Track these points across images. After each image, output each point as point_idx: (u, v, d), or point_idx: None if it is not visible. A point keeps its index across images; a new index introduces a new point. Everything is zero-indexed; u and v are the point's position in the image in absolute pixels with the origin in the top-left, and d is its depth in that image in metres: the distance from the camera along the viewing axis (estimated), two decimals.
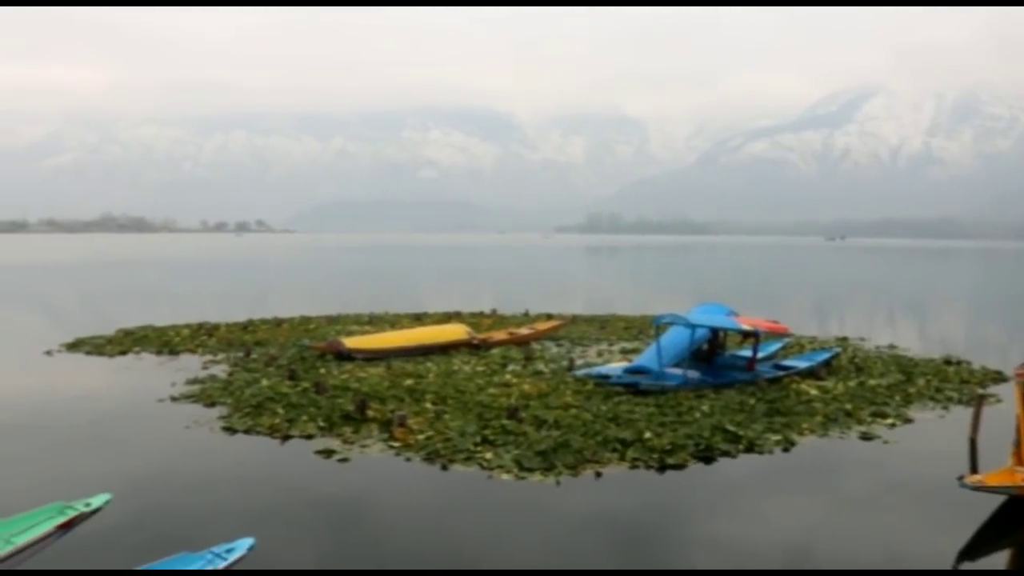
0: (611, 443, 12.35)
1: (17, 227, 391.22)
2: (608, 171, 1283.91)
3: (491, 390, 16.22)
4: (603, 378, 17.05)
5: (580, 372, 18.09)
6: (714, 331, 18.75)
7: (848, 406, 15.24)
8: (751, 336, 19.14)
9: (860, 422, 14.35)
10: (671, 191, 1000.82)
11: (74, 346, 23.41)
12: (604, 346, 23.66)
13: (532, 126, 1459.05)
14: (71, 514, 8.03)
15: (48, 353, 22.45)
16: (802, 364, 18.92)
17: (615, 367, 17.97)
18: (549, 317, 29.41)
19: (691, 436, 12.69)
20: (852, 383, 17.43)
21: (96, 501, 8.30)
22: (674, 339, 18.05)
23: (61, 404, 16.24)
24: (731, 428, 13.18)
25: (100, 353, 22.37)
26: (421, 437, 12.82)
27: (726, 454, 12.22)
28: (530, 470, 11.32)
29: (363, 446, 12.63)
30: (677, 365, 17.13)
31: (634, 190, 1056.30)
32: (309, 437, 13.21)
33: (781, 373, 17.97)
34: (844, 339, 25.29)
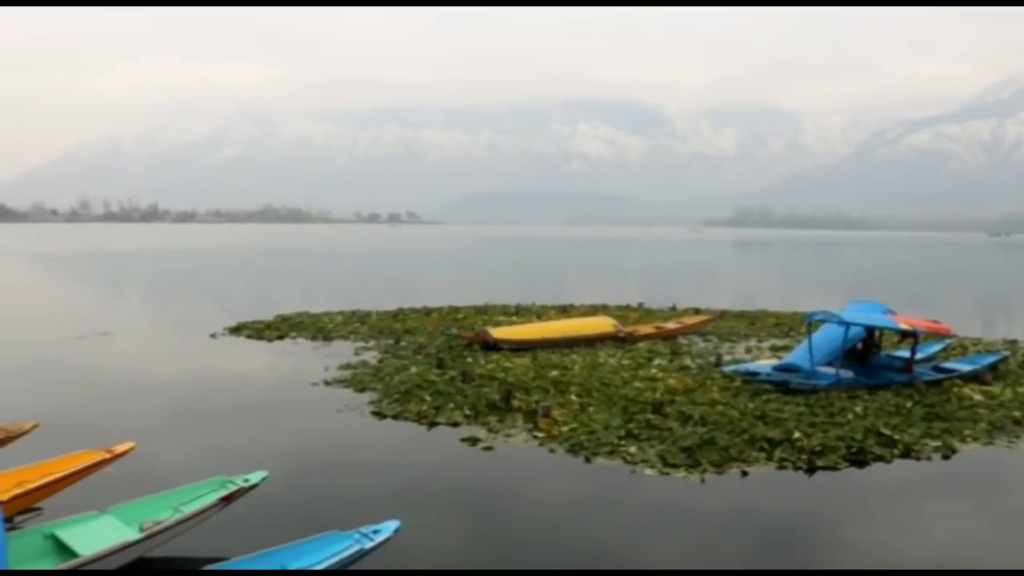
0: (758, 442, 12.03)
1: (187, 217, 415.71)
2: (759, 164, 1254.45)
3: (636, 384, 16.07)
4: (751, 375, 16.66)
5: (728, 368, 17.72)
6: (869, 330, 17.99)
7: (1017, 413, 14.26)
8: (909, 336, 18.29)
9: None
10: (825, 185, 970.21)
11: (236, 330, 24.63)
12: (753, 342, 23.11)
13: (681, 118, 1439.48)
14: (231, 488, 8.45)
15: (213, 336, 23.71)
16: (965, 367, 17.90)
17: (764, 364, 17.52)
18: (697, 312, 28.96)
19: (843, 438, 12.18)
20: (1022, 389, 16.39)
21: (254, 477, 8.70)
22: (827, 337, 17.42)
23: (223, 385, 17.11)
24: (886, 431, 12.59)
25: (259, 337, 23.44)
26: (565, 429, 12.83)
27: (880, 458, 11.68)
28: (674, 466, 11.16)
29: (507, 435, 12.76)
30: (829, 364, 16.53)
31: (786, 183, 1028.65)
32: (455, 425, 13.44)
33: (941, 376, 17.08)
34: (1013, 342, 23.77)
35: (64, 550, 7.48)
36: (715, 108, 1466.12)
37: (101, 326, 25.86)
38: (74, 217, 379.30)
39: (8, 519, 7.41)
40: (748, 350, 21.66)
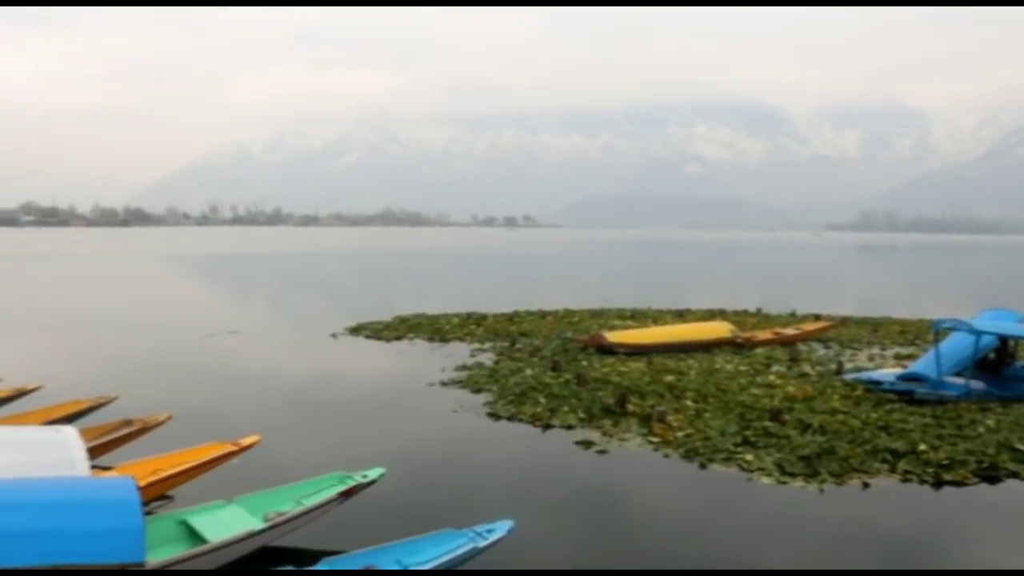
0: (881, 453, 11.65)
1: (310, 221, 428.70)
2: (884, 166, 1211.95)
3: (753, 390, 15.80)
4: (874, 384, 16.13)
5: (849, 376, 17.22)
6: (1003, 339, 17.16)
7: None
8: None
9: None
10: (955, 186, 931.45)
11: (355, 330, 25.28)
12: (876, 350, 22.36)
13: (802, 119, 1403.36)
14: (350, 483, 8.70)
15: (333, 336, 24.39)
16: None
17: (887, 373, 16.93)
18: (817, 318, 28.20)
19: (972, 452, 11.64)
20: None
21: (372, 474, 8.93)
22: (955, 346, 16.68)
23: (343, 384, 17.61)
24: (1021, 447, 11.95)
25: (378, 337, 23.99)
26: (680, 434, 12.72)
27: (1014, 475, 11.09)
28: (792, 475, 10.92)
29: (622, 439, 12.72)
30: (958, 374, 15.84)
31: (913, 186, 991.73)
32: (569, 427, 13.47)
33: None
34: None
35: (194, 536, 7.85)
36: (837, 108, 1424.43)
37: (229, 325, 26.92)
38: (204, 221, 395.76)
39: (144, 504, 7.79)
40: (871, 358, 20.98)
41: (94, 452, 9.72)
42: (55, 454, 7.58)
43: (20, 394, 13.36)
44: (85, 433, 8.45)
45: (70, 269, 65.32)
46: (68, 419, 11.38)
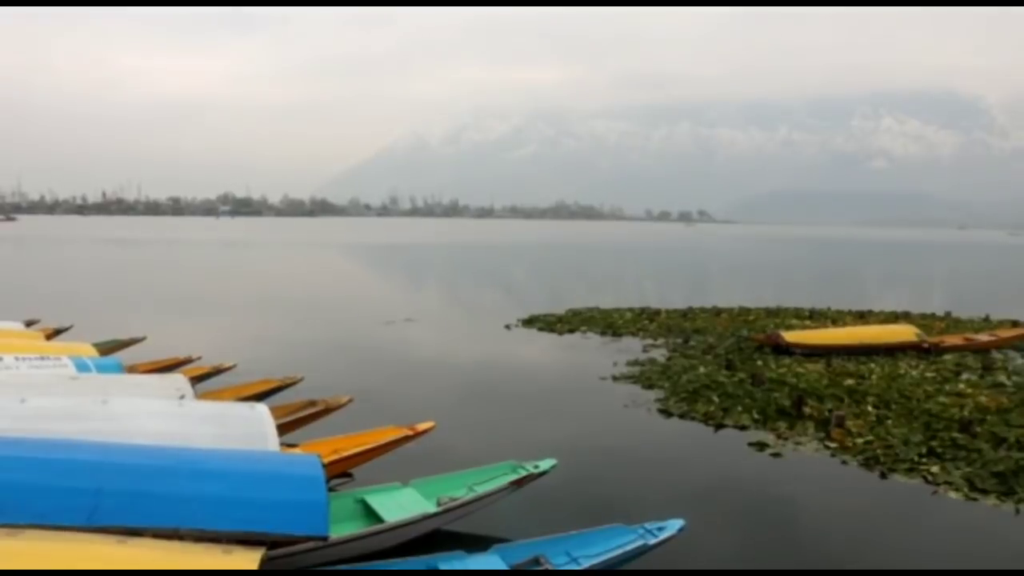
0: None
1: (485, 213, 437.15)
2: None
3: (941, 399, 14.96)
4: None
5: None
6: None
7: None
8: None
9: None
10: None
11: (529, 322, 25.62)
12: None
13: (1002, 110, 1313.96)
14: (522, 473, 8.84)
15: (507, 327, 24.81)
16: None
17: None
18: (1015, 324, 26.38)
19: None
20: None
21: (543, 464, 9.04)
22: None
23: (516, 374, 17.90)
24: None
25: (551, 330, 24.22)
26: (860, 441, 12.22)
27: None
28: (983, 492, 10.27)
29: (797, 443, 12.35)
30: None
31: None
32: (743, 428, 13.20)
33: None
34: None
35: (371, 515, 8.18)
36: None
37: (406, 312, 27.83)
38: (384, 211, 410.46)
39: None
40: None
41: (281, 430, 10.25)
42: (248, 429, 8.07)
43: (217, 371, 14.33)
44: (273, 411, 8.91)
45: (262, 256, 69.20)
46: (258, 397, 12.07)
